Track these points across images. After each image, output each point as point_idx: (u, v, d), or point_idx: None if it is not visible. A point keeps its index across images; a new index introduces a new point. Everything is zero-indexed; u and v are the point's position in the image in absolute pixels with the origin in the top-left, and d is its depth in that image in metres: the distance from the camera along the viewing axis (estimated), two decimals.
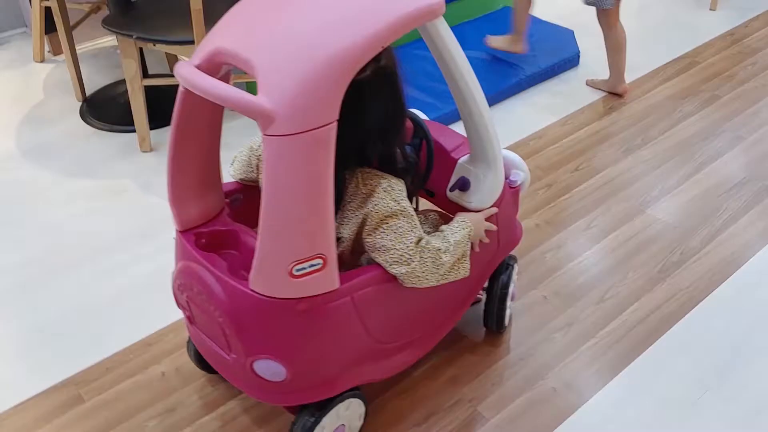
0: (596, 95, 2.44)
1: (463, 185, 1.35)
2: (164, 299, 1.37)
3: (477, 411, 1.40)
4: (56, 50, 2.75)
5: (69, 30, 2.37)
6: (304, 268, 1.04)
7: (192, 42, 1.88)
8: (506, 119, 2.32)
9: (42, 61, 2.73)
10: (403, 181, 1.18)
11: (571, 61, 2.60)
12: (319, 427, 1.21)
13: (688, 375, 1.47)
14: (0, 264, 1.78)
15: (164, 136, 2.17)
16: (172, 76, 2.02)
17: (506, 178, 1.39)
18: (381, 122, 1.14)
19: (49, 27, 2.58)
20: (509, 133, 2.23)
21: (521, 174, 1.44)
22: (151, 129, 2.18)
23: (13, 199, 2.03)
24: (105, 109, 2.42)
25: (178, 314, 1.38)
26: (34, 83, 2.60)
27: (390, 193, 1.15)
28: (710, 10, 3.01)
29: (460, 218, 1.28)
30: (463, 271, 1.25)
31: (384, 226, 1.14)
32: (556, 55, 2.58)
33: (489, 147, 1.29)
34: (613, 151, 2.17)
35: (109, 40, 2.84)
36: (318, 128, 0.95)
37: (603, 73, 2.49)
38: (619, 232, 1.85)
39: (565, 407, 1.41)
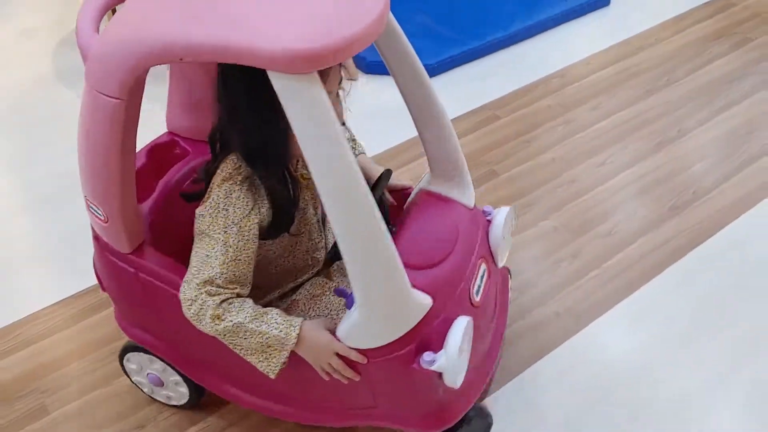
0: (625, 35, 2.42)
1: (343, 294, 1.04)
2: None
3: None
4: None
5: None
6: (94, 210, 1.08)
7: None
8: (530, 57, 2.33)
9: None
10: (248, 197, 0.98)
11: (601, 1, 2.57)
12: None
13: (688, 307, 1.51)
14: (40, 174, 1.89)
15: None
16: None
17: (416, 360, 1.00)
18: (231, 114, 0.97)
19: None
20: (531, 71, 2.25)
21: (439, 359, 0.99)
22: None
23: (60, 119, 2.13)
24: None
25: None
26: (73, 11, 2.67)
27: (213, 205, 0.98)
28: None
29: (295, 320, 0.99)
30: (264, 367, 1.01)
31: (196, 239, 1.01)
32: None
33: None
34: (635, 91, 2.16)
35: None
36: (105, 95, 0.91)
37: (632, 14, 2.46)
38: (634, 169, 1.87)
39: (565, 331, 1.47)
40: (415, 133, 1.13)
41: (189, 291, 0.98)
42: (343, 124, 1.14)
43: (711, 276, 1.58)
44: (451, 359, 0.98)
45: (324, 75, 0.89)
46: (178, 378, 1.26)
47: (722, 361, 1.40)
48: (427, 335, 1.00)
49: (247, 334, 0.97)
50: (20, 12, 2.66)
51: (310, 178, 1.05)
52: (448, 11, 2.45)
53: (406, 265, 0.97)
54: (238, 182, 0.98)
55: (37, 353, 1.46)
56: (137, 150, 1.06)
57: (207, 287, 0.97)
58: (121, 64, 0.89)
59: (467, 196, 1.16)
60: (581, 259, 1.62)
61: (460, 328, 1.00)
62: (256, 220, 0.99)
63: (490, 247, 1.17)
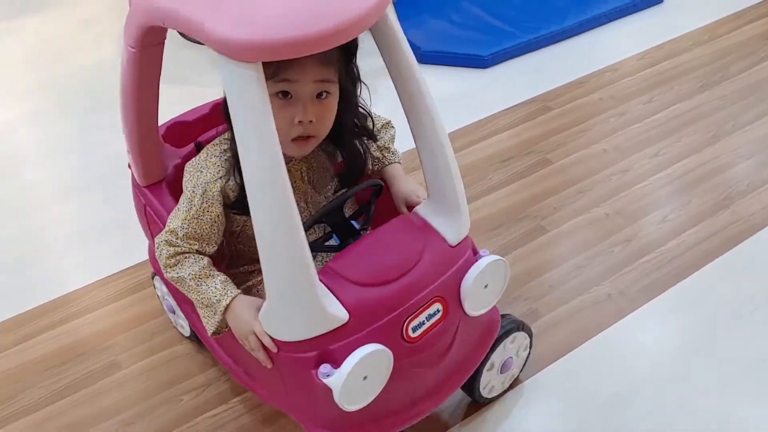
0: (678, 32, 2.42)
1: None
2: None
3: (533, 308, 1.49)
4: None
5: None
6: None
7: None
8: (583, 51, 2.34)
9: None
10: (222, 165, 1.06)
11: None
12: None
13: (740, 294, 1.52)
14: (106, 154, 1.97)
15: None
16: None
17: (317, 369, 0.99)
18: None
19: None
20: (584, 65, 2.26)
21: (332, 375, 0.98)
22: None
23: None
24: None
25: None
26: None
27: (194, 164, 1.09)
28: None
29: (232, 291, 1.04)
30: (205, 323, 1.08)
31: None
32: None
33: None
34: (688, 86, 2.16)
35: None
36: (127, 46, 1.06)
37: (685, 12, 2.47)
38: (687, 161, 1.87)
39: (617, 312, 1.49)
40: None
41: (159, 236, 1.08)
42: (371, 136, 1.18)
43: (764, 266, 1.58)
44: (341, 379, 0.96)
45: (291, 71, 0.96)
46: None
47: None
48: (335, 349, 0.98)
49: (189, 289, 1.05)
50: (79, 2, 2.76)
51: (293, 171, 1.10)
52: (501, 5, 2.48)
53: (341, 276, 0.99)
54: (219, 151, 1.07)
55: (110, 314, 1.53)
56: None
57: (168, 236, 1.06)
58: (133, 21, 1.01)
59: (452, 230, 1.07)
60: (634, 245, 1.64)
61: (361, 353, 0.96)
62: (219, 188, 1.05)
63: (459, 290, 1.08)
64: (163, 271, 1.08)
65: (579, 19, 2.42)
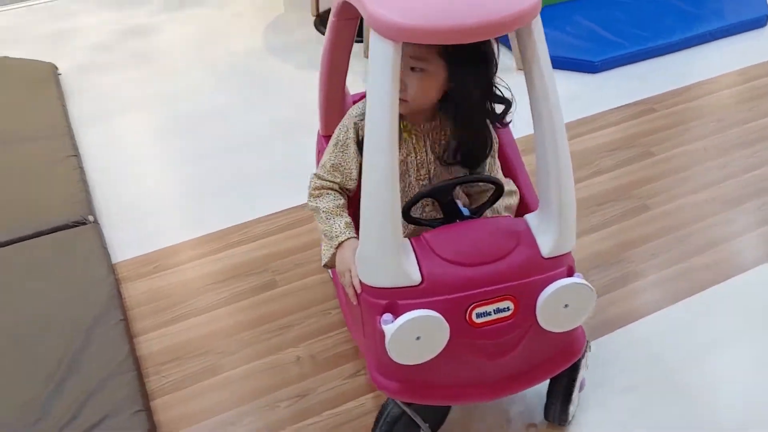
0: None
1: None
2: None
3: (640, 268, 1.70)
4: None
5: None
6: None
7: None
8: (687, 64, 2.53)
9: None
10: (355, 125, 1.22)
11: (759, 21, 2.74)
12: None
13: None
14: (264, 119, 2.31)
15: None
16: None
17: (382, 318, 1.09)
18: None
19: None
20: (687, 76, 2.46)
21: (389, 323, 1.09)
22: None
23: (269, 81, 2.55)
24: None
25: None
26: (277, 2, 3.12)
27: (342, 122, 1.26)
28: None
29: (350, 234, 1.19)
30: (323, 251, 1.23)
31: None
32: (744, 14, 2.74)
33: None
34: None
35: None
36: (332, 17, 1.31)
37: None
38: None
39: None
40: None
41: (314, 173, 1.28)
42: (498, 121, 1.23)
43: None
44: (393, 329, 1.06)
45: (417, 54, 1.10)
46: None
47: None
48: (402, 305, 1.08)
49: (320, 220, 1.22)
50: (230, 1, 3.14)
51: (415, 134, 1.23)
52: (611, 20, 2.70)
53: (430, 246, 1.10)
54: (355, 114, 1.25)
55: (270, 244, 1.82)
56: None
57: (318, 170, 1.26)
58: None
59: (549, 244, 1.12)
60: (736, 225, 1.81)
61: (417, 313, 1.06)
62: (354, 124, 1.23)
63: (536, 299, 1.12)
64: (307, 200, 1.26)
65: (685, 35, 2.62)
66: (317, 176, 1.26)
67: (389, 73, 0.98)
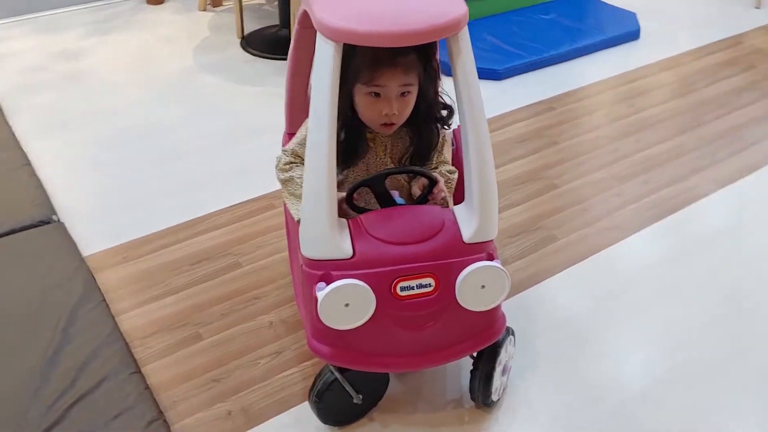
0: (655, 58, 3.01)
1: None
2: None
3: (552, 234, 2.00)
4: (215, 3, 3.46)
5: None
6: None
7: None
8: (577, 71, 2.93)
9: (204, 10, 3.44)
10: None
11: (633, 34, 3.18)
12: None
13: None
14: (207, 129, 2.49)
15: None
16: None
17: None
18: None
19: None
20: (578, 81, 2.84)
21: (322, 290, 1.23)
22: None
23: (206, 96, 2.73)
24: (260, 43, 3.10)
25: None
26: (201, 25, 3.31)
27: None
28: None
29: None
30: (291, 209, 1.38)
31: None
32: (620, 29, 3.18)
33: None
34: (664, 95, 2.74)
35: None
36: (296, 24, 1.41)
37: (659, 45, 3.08)
38: (664, 145, 2.42)
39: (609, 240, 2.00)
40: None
41: (282, 151, 1.44)
42: (443, 122, 1.40)
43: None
44: (323, 294, 1.20)
45: (382, 78, 1.24)
46: None
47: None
48: (335, 276, 1.22)
49: (295, 185, 1.36)
50: (158, 24, 3.30)
51: (379, 140, 1.37)
52: (511, 35, 3.08)
53: (363, 226, 1.25)
54: None
55: (229, 232, 2.00)
56: None
57: (286, 151, 1.40)
58: (301, 8, 1.37)
59: (470, 230, 1.26)
60: (627, 196, 2.16)
61: (346, 281, 1.20)
62: None
63: (455, 279, 1.25)
64: (277, 174, 1.39)
65: (573, 46, 3.01)
66: (285, 154, 1.41)
67: (330, 68, 1.14)
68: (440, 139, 1.43)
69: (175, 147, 2.39)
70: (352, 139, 1.36)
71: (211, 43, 3.13)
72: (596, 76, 2.88)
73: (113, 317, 1.67)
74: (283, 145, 1.66)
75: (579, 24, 3.20)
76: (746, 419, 1.48)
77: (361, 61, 1.24)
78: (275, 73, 2.86)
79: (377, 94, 1.28)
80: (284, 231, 1.97)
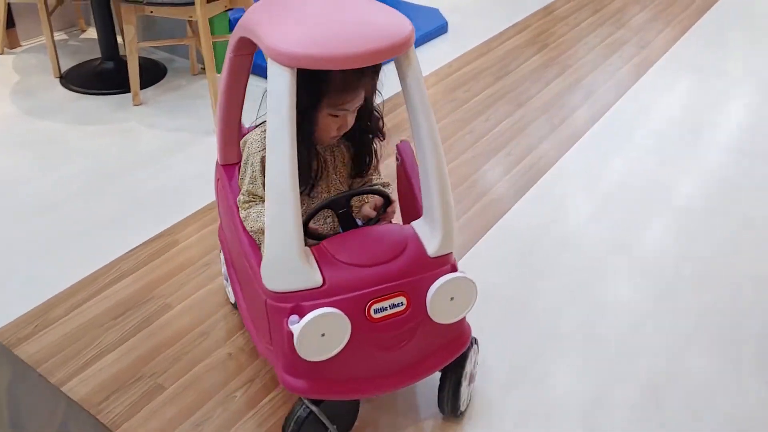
0: (468, 47, 3.31)
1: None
2: None
3: None
4: (12, 44, 3.15)
5: (49, 16, 2.82)
6: None
7: (192, 3, 2.46)
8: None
9: (2, 53, 3.11)
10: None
11: (442, 27, 3.47)
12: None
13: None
14: (63, 175, 2.28)
15: (149, 93, 2.75)
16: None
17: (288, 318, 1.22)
18: None
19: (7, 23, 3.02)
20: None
21: (296, 323, 1.20)
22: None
23: (44, 142, 2.50)
24: (84, 79, 2.89)
25: None
26: (6, 68, 3.00)
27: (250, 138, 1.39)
28: None
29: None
30: (262, 248, 1.31)
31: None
32: (430, 24, 3.44)
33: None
34: (487, 80, 3.03)
35: (59, 34, 3.27)
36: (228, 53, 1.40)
37: (466, 36, 3.39)
38: (511, 120, 2.70)
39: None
40: None
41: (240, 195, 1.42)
42: (381, 134, 1.41)
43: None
44: (299, 327, 1.17)
45: (349, 104, 1.26)
46: None
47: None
48: (306, 306, 1.19)
49: (258, 216, 1.34)
50: None
51: (335, 157, 1.41)
52: None
53: (329, 252, 1.23)
54: (261, 131, 1.37)
55: (145, 274, 1.88)
56: None
57: (242, 196, 1.40)
58: (233, 35, 1.34)
59: (433, 245, 1.27)
60: (497, 171, 2.38)
61: (321, 311, 1.18)
62: (260, 158, 1.34)
63: (425, 294, 1.26)
64: (241, 213, 1.39)
65: None
66: (242, 197, 1.41)
67: (287, 95, 1.10)
68: (380, 152, 1.47)
69: (36, 200, 2.18)
70: (306, 158, 1.34)
71: (26, 87, 2.86)
72: (430, 68, 3.10)
73: (59, 389, 1.52)
74: (217, 177, 1.63)
75: None
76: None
77: (332, 86, 1.24)
78: (112, 108, 2.69)
79: (337, 114, 1.30)
80: (201, 263, 1.92)
